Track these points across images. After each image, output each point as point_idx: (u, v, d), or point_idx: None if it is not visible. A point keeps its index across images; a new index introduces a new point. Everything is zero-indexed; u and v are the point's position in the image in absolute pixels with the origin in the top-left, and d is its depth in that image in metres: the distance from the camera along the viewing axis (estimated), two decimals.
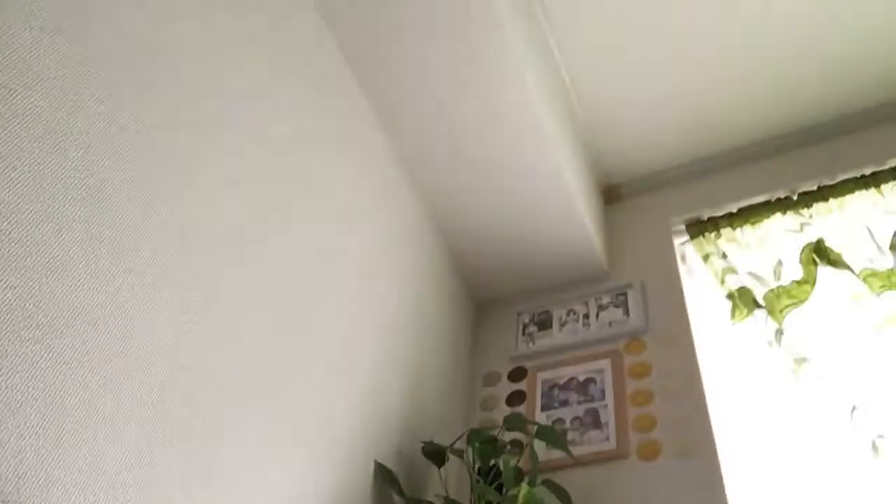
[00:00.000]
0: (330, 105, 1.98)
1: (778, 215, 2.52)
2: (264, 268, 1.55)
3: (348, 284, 1.89)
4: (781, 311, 2.28)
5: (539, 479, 1.86)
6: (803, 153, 2.65)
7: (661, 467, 1.97)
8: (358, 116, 2.12)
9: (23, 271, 1.00)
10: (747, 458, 2.04)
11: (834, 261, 2.28)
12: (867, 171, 2.42)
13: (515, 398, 2.38)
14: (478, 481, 1.86)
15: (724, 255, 2.50)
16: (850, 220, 2.38)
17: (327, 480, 1.60)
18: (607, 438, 2.09)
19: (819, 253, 2.33)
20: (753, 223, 2.54)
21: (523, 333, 2.56)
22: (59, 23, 1.14)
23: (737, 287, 2.38)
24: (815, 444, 2.02)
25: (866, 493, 1.87)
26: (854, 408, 1.95)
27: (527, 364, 2.46)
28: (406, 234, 2.29)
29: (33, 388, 0.99)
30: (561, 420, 2.21)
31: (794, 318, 2.25)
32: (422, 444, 1.97)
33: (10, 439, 0.94)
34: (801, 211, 2.48)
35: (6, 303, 0.97)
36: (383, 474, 1.80)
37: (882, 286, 2.16)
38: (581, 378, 2.30)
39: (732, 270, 2.43)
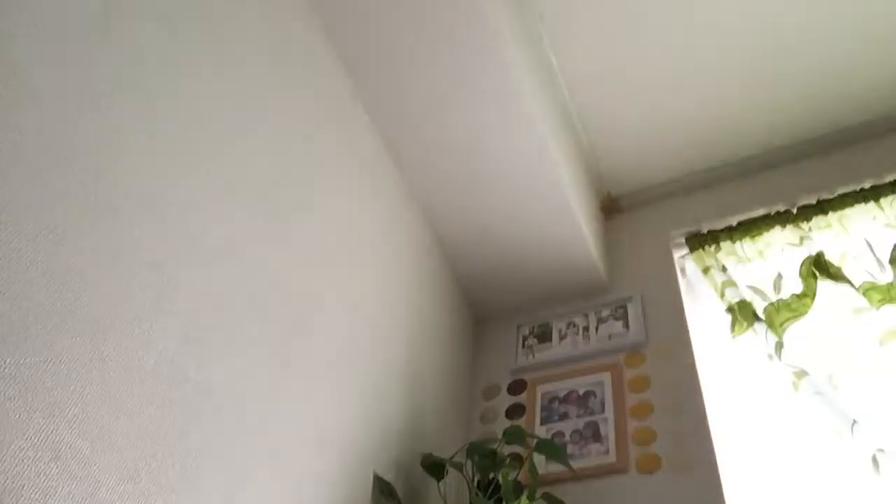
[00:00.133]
0: (332, 124, 1.98)
1: (777, 229, 2.52)
2: (264, 280, 1.55)
3: (349, 298, 1.89)
4: (781, 324, 2.27)
5: (538, 492, 1.86)
6: (802, 166, 2.67)
7: (661, 481, 1.97)
8: (360, 135, 2.13)
9: (22, 283, 1.00)
10: (747, 472, 2.03)
11: (834, 274, 2.28)
12: (866, 185, 2.43)
13: (515, 411, 2.37)
14: (477, 495, 1.86)
15: (724, 269, 2.50)
16: (849, 233, 2.38)
17: (326, 493, 1.59)
18: (607, 452, 2.09)
19: (819, 266, 2.33)
20: (753, 236, 2.54)
21: (523, 346, 2.56)
22: (61, 37, 1.15)
23: (736, 300, 2.37)
24: (815, 459, 2.01)
25: None
26: (854, 422, 1.94)
27: (526, 377, 2.45)
28: (406, 247, 2.30)
29: (32, 399, 0.99)
30: (560, 433, 2.21)
31: (795, 332, 2.24)
32: (421, 457, 1.97)
33: (8, 449, 0.94)
34: (800, 224, 2.48)
35: (4, 313, 0.97)
36: (382, 487, 1.79)
37: (882, 300, 2.16)
38: (581, 391, 2.30)
39: (732, 284, 2.43)
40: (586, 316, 2.54)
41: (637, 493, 1.97)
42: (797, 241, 2.45)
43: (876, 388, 2.01)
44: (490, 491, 1.86)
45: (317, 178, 1.85)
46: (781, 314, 2.29)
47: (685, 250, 2.65)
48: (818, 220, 2.45)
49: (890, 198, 2.37)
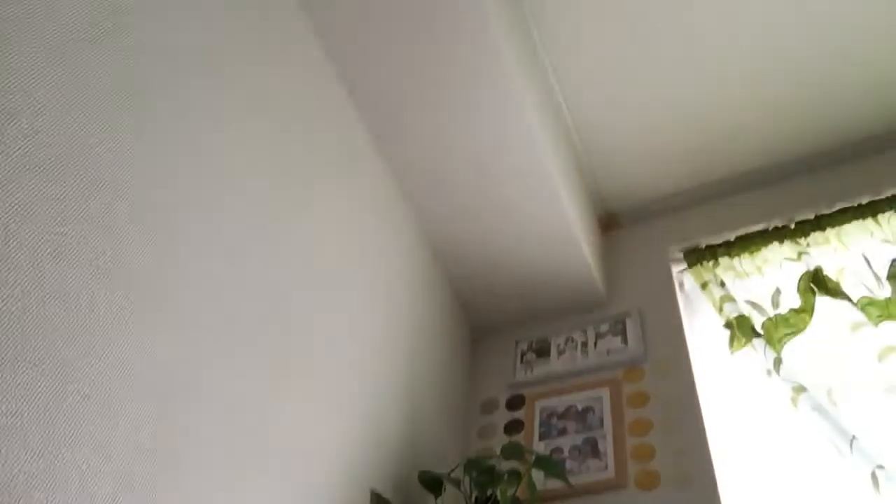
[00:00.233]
0: (329, 135, 1.99)
1: (775, 244, 2.52)
2: (262, 295, 1.55)
3: (347, 312, 1.88)
4: (780, 340, 2.27)
5: None
6: (800, 182, 2.67)
7: (660, 497, 1.96)
8: (358, 147, 2.13)
9: (21, 295, 1.00)
10: (746, 488, 2.02)
11: (832, 290, 2.28)
12: (864, 201, 2.43)
13: (513, 426, 2.36)
14: None
15: (723, 284, 2.50)
16: (847, 249, 2.38)
17: None
18: (606, 468, 2.08)
19: (817, 282, 2.33)
20: (751, 252, 2.54)
21: (521, 361, 2.55)
22: (60, 48, 1.15)
23: (735, 316, 2.37)
24: (814, 475, 2.00)
25: None
26: (853, 438, 1.93)
27: (525, 392, 2.45)
28: (405, 262, 2.30)
29: (28, 412, 0.98)
30: (559, 449, 2.20)
31: (793, 347, 2.24)
32: (418, 473, 1.96)
33: (4, 462, 0.94)
34: (798, 240, 2.48)
35: (4, 327, 0.97)
36: (380, 502, 1.78)
37: (880, 316, 2.15)
38: (579, 407, 2.29)
39: (731, 299, 2.43)
40: (585, 331, 2.53)
41: None
42: (795, 257, 2.45)
43: (875, 405, 2.01)
44: None
45: (315, 194, 1.85)
46: (780, 330, 2.29)
47: (683, 265, 2.65)
48: (816, 236, 2.45)
49: (887, 214, 2.37)
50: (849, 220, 2.42)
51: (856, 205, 2.44)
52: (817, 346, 2.22)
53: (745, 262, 2.53)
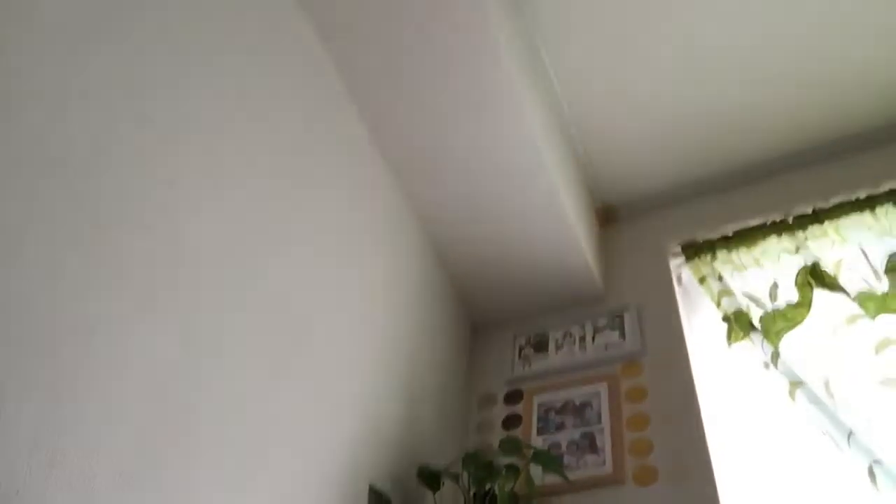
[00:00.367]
0: (328, 133, 1.98)
1: (773, 238, 2.52)
2: (262, 290, 1.55)
3: (346, 310, 1.88)
4: (777, 333, 2.28)
5: (535, 503, 1.85)
6: (798, 176, 2.67)
7: (657, 492, 1.96)
8: (357, 145, 2.13)
9: (21, 279, 1.00)
10: (745, 482, 2.02)
11: (829, 284, 2.29)
12: (862, 195, 2.43)
13: (511, 421, 2.36)
14: None
15: (720, 278, 2.51)
16: (845, 242, 2.38)
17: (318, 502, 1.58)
18: (604, 463, 2.08)
19: (814, 276, 2.33)
20: (749, 245, 2.54)
21: (519, 356, 2.55)
22: (54, 46, 1.15)
23: (733, 309, 2.38)
24: (812, 469, 2.01)
25: None
26: (851, 433, 1.94)
27: (523, 387, 2.44)
28: (404, 258, 2.29)
29: (26, 411, 0.98)
30: (557, 444, 2.20)
31: (790, 341, 2.24)
32: (417, 468, 1.96)
33: (3, 455, 0.94)
34: (796, 233, 2.48)
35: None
36: (377, 499, 1.79)
37: (878, 309, 2.16)
38: (577, 401, 2.29)
39: (728, 293, 2.43)
40: (583, 326, 2.53)
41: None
42: (793, 250, 2.45)
43: (872, 398, 2.01)
44: (487, 502, 1.86)
45: (314, 188, 1.85)
46: (777, 324, 2.29)
47: (681, 259, 2.65)
48: (814, 230, 2.45)
49: (885, 207, 2.37)
50: (846, 214, 2.42)
51: (854, 199, 2.44)
52: (814, 340, 2.22)
53: (743, 255, 2.54)
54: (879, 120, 2.62)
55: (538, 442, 2.24)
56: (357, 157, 2.12)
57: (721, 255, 2.56)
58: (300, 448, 1.56)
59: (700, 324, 2.48)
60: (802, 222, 2.49)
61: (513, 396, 2.44)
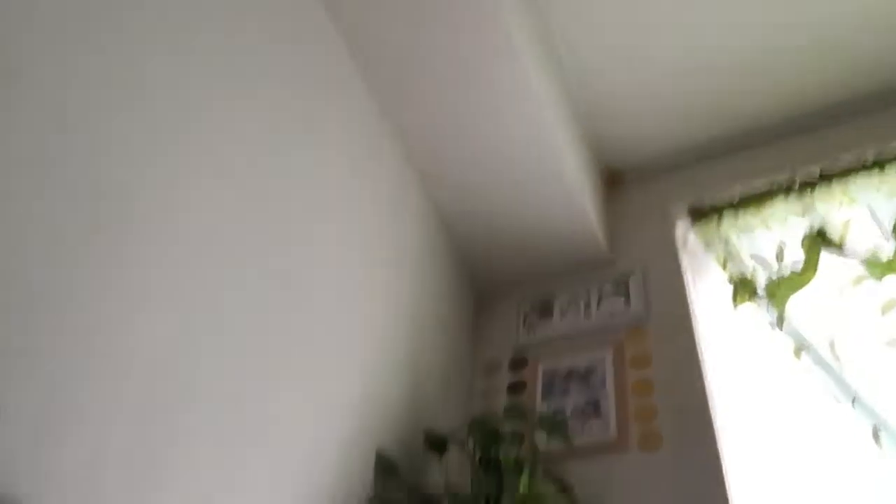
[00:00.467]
0: (331, 89, 1.97)
1: (781, 200, 2.49)
2: (264, 255, 1.55)
3: (350, 275, 1.88)
4: (783, 295, 2.28)
5: (540, 469, 1.86)
6: (806, 137, 2.63)
7: (662, 458, 1.96)
8: (358, 105, 2.11)
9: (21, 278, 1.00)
10: (749, 447, 2.03)
11: (836, 245, 2.27)
12: (869, 156, 2.40)
13: (516, 388, 2.36)
14: (478, 471, 1.86)
15: (727, 241, 2.49)
16: (853, 203, 2.36)
17: (326, 470, 1.60)
18: (608, 429, 2.08)
19: (821, 238, 2.31)
20: (756, 208, 2.52)
21: (524, 323, 2.54)
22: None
23: (739, 272, 2.38)
24: (816, 432, 2.01)
25: (868, 480, 1.87)
26: (855, 396, 1.94)
27: (528, 353, 2.44)
28: (408, 223, 2.29)
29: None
30: (562, 410, 2.20)
31: (796, 303, 2.23)
32: (424, 431, 1.97)
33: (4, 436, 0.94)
34: (803, 195, 2.45)
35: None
36: (384, 465, 1.80)
37: (884, 270, 2.15)
38: (582, 367, 2.29)
39: (735, 255, 2.43)
40: (588, 291, 2.52)
41: (638, 470, 1.97)
42: (800, 212, 2.43)
43: (878, 359, 2.01)
44: (492, 467, 1.87)
45: (316, 152, 1.84)
46: (783, 286, 2.30)
47: (688, 222, 2.63)
48: (822, 191, 2.42)
49: (894, 167, 2.34)
50: (855, 175, 2.39)
51: (862, 159, 2.40)
52: (820, 301, 2.21)
53: (750, 218, 2.51)
54: (889, 79, 2.57)
55: (543, 408, 2.24)
56: (358, 123, 2.09)
57: (728, 217, 2.54)
58: (304, 415, 1.57)
59: (706, 288, 2.47)
60: (810, 184, 2.46)
61: (518, 363, 2.44)
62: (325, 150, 1.89)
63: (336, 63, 2.03)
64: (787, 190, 2.50)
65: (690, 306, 2.30)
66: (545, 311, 2.54)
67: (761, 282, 2.33)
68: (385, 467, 1.80)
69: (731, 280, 2.39)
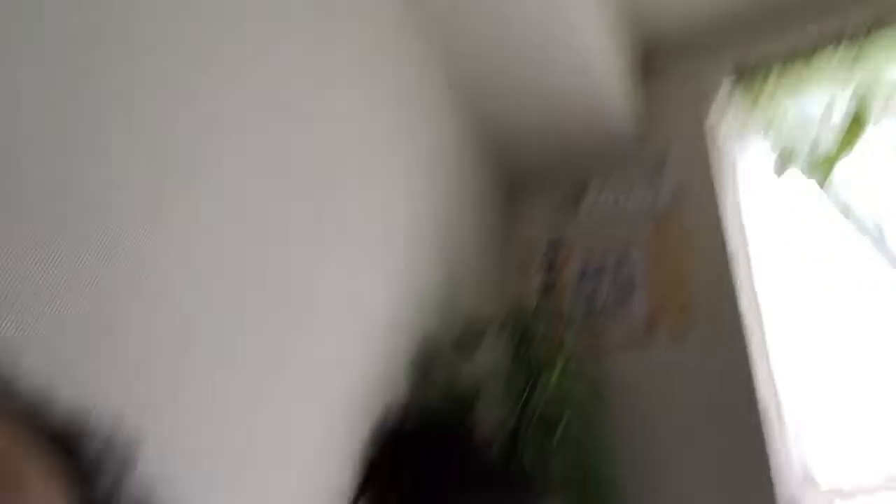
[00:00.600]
0: None
1: (829, 54, 2.30)
2: (297, 157, 1.58)
3: (379, 175, 1.89)
4: (829, 161, 2.17)
5: (571, 364, 1.88)
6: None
7: (692, 350, 1.96)
8: None
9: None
10: (788, 335, 2.00)
11: (886, 110, 2.12)
12: None
13: (548, 282, 2.34)
14: (510, 368, 1.89)
15: (773, 102, 2.34)
16: None
17: (359, 368, 1.65)
18: (640, 321, 2.07)
19: (870, 101, 2.15)
20: (803, 65, 2.34)
21: (556, 216, 2.47)
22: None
23: (784, 138, 2.26)
24: (858, 307, 1.97)
25: None
26: None
27: (559, 247, 2.39)
28: (437, 121, 2.24)
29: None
30: (593, 303, 2.19)
31: (842, 171, 2.14)
32: (455, 331, 1.99)
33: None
34: (853, 51, 2.26)
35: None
36: (417, 361, 1.84)
37: None
38: (613, 258, 2.24)
39: (780, 120, 2.29)
40: (621, 178, 2.41)
41: (669, 364, 1.97)
42: (851, 68, 2.25)
43: None
44: (522, 365, 1.90)
45: (338, 44, 1.80)
46: (829, 153, 2.17)
47: (731, 87, 2.46)
48: (871, 52, 2.22)
49: None
50: None
51: None
52: (867, 170, 2.12)
53: (796, 78, 2.34)
54: None
55: (574, 301, 2.23)
56: (380, 10, 2.02)
57: (772, 81, 2.37)
58: (351, 305, 1.65)
59: (748, 159, 2.35)
60: (860, 37, 2.25)
61: (549, 256, 2.40)
62: (337, 32, 1.84)
63: None
64: (836, 42, 2.30)
65: (726, 190, 2.21)
66: (576, 202, 2.46)
67: (807, 148, 2.21)
68: (418, 364, 1.84)
69: (776, 146, 2.28)
